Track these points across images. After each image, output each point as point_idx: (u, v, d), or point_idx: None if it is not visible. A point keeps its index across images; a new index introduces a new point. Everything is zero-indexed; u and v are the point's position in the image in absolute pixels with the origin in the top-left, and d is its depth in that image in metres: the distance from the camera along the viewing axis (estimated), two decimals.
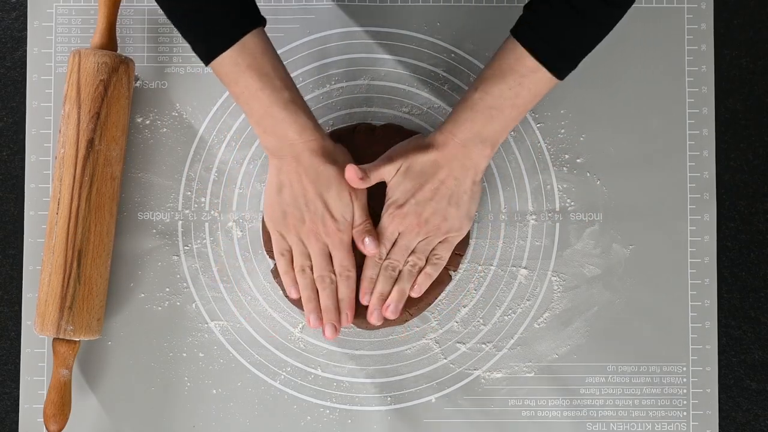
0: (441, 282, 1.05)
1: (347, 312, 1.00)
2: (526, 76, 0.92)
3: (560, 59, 0.92)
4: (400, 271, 1.01)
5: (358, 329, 1.06)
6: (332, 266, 1.00)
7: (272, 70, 0.92)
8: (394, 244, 1.00)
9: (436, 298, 1.06)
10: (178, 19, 0.92)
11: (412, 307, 1.05)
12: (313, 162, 0.95)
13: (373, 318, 1.01)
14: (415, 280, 1.01)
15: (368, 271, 1.01)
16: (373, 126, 1.07)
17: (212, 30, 0.91)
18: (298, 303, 1.05)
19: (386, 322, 1.04)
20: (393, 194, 0.98)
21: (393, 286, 1.01)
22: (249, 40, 0.91)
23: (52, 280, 1.00)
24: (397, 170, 0.98)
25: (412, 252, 1.00)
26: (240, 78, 0.92)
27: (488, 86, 0.94)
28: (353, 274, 1.00)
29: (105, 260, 1.03)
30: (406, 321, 1.06)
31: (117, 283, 1.07)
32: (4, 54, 1.12)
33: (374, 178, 0.98)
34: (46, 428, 1.01)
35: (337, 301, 1.00)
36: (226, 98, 1.09)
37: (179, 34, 1.09)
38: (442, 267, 1.02)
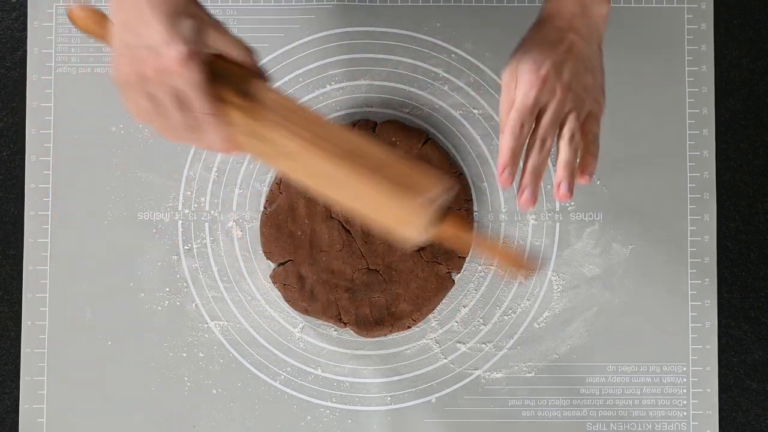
0: (444, 287, 1.05)
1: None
2: None
3: None
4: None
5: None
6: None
7: None
8: (537, 122, 0.83)
9: (438, 303, 1.06)
10: None
11: (416, 312, 1.05)
12: None
13: (560, 193, 0.83)
14: (581, 162, 0.84)
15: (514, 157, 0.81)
16: (374, 123, 1.07)
17: None
18: (298, 307, 1.06)
19: (388, 330, 1.05)
20: (523, 63, 0.82)
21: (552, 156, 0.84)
22: None
23: None
24: (520, 49, 0.84)
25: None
26: None
27: None
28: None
29: None
30: (409, 327, 1.06)
31: (117, 283, 1.07)
32: (4, 54, 1.12)
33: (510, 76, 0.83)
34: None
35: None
36: None
37: None
38: (598, 148, 0.86)
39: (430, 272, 1.05)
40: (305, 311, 1.06)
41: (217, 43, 0.76)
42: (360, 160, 0.81)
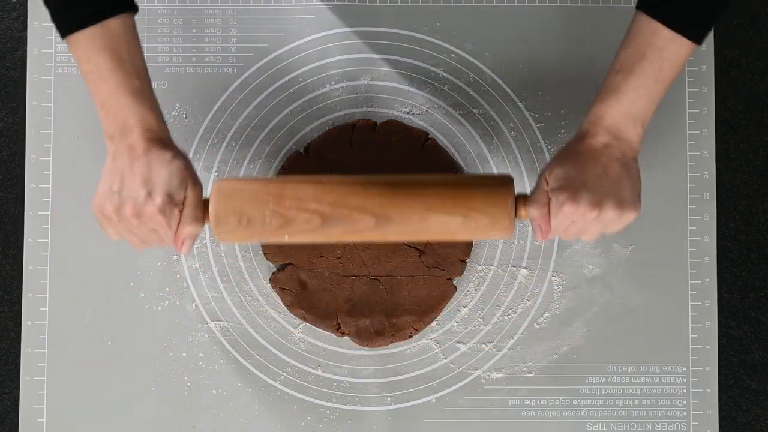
0: (446, 296, 1.05)
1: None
2: (665, 49, 0.90)
3: (694, 24, 0.90)
4: None
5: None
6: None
7: (128, 56, 0.89)
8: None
9: (441, 312, 1.06)
10: None
11: (417, 322, 1.05)
12: (147, 149, 0.89)
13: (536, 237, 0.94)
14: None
15: None
16: (374, 122, 1.07)
17: (77, 5, 0.88)
18: (297, 313, 1.05)
19: (389, 341, 1.05)
20: (557, 182, 0.90)
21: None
22: (112, 22, 0.88)
23: None
24: (557, 164, 0.92)
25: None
26: (93, 57, 0.89)
27: (628, 66, 0.91)
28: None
29: None
30: (411, 336, 1.06)
31: (117, 283, 1.07)
32: (4, 54, 1.12)
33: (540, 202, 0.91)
34: None
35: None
36: (226, 98, 1.09)
37: (179, 35, 1.10)
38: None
39: (432, 280, 1.05)
40: (304, 318, 1.06)
41: (188, 198, 0.89)
42: (418, 199, 0.88)
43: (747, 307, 1.10)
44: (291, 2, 1.10)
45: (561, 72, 1.09)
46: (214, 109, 1.09)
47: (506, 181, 0.90)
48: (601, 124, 0.92)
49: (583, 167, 0.90)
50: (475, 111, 1.09)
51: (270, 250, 1.06)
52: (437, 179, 0.91)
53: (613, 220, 0.90)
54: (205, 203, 0.90)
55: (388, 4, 1.10)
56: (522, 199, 0.90)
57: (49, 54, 1.09)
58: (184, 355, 1.07)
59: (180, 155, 0.91)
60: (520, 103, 1.09)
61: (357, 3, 1.10)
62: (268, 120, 1.09)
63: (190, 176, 0.90)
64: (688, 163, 1.08)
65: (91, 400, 1.07)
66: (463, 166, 1.08)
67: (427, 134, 1.08)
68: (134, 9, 0.90)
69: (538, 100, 1.09)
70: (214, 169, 1.09)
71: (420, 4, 1.10)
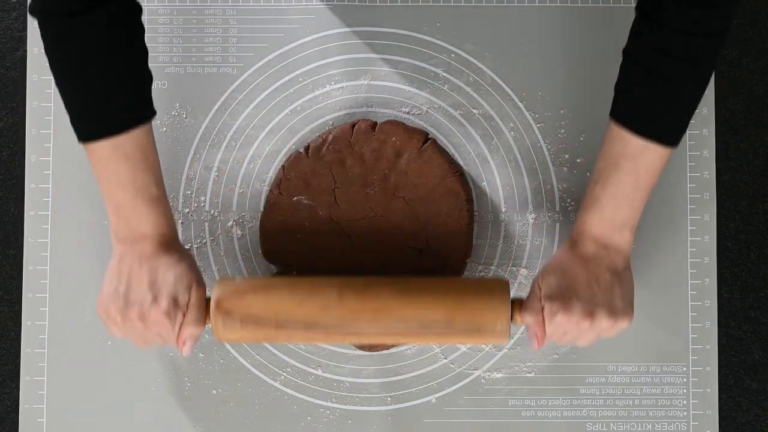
0: None
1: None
2: (638, 157, 0.89)
3: (666, 130, 0.89)
4: None
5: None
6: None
7: (147, 165, 0.90)
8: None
9: None
10: (68, 92, 0.89)
11: None
12: (156, 253, 0.92)
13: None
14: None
15: None
16: (374, 123, 1.07)
17: (100, 115, 0.88)
18: None
19: (390, 345, 1.05)
20: (549, 290, 0.91)
21: None
22: (135, 131, 0.89)
23: None
24: (549, 272, 0.93)
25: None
26: (112, 165, 0.89)
27: (605, 177, 0.92)
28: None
29: None
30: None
31: None
32: (4, 54, 1.12)
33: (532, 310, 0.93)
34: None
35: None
36: (226, 98, 1.09)
37: (179, 35, 1.10)
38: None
39: None
40: None
41: (192, 300, 0.92)
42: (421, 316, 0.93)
43: (747, 307, 1.09)
44: (291, 2, 1.10)
45: (561, 72, 1.09)
46: (214, 109, 1.09)
47: (502, 287, 0.94)
48: (587, 235, 0.93)
49: (573, 276, 0.91)
50: (475, 111, 1.09)
51: (270, 254, 1.06)
52: (432, 285, 0.95)
53: (606, 328, 0.92)
54: (207, 302, 0.93)
55: (388, 4, 1.10)
56: (518, 305, 0.93)
57: None
58: (184, 355, 1.07)
59: (186, 255, 0.94)
60: (520, 103, 1.09)
61: (357, 3, 1.10)
62: (268, 120, 1.09)
63: (195, 278, 0.93)
64: (688, 163, 1.08)
65: (91, 400, 1.07)
66: (463, 165, 1.08)
67: (427, 134, 1.08)
68: (154, 114, 0.91)
69: (538, 100, 1.09)
70: (214, 169, 1.09)
71: (420, 4, 1.10)
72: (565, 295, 0.90)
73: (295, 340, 0.99)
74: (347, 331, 0.93)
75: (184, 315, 0.91)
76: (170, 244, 0.93)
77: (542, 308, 0.91)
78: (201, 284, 0.93)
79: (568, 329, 0.91)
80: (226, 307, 0.93)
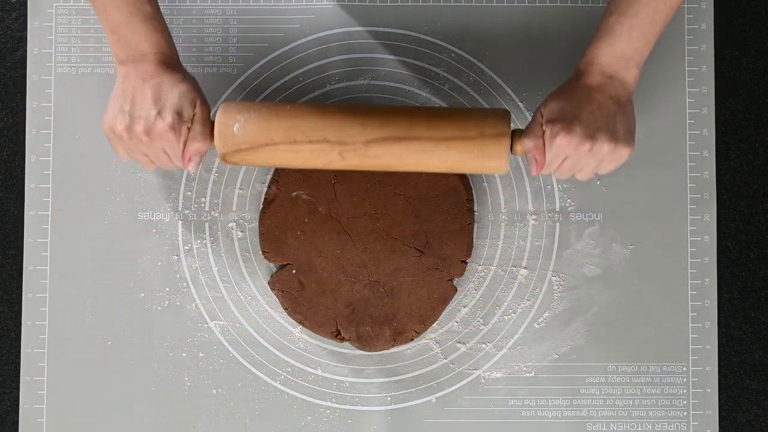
0: (446, 298, 1.05)
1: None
2: None
3: None
4: None
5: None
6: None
7: None
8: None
9: (441, 314, 1.06)
10: None
11: (419, 325, 1.05)
12: (158, 71, 0.93)
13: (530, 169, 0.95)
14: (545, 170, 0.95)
15: None
16: None
17: None
18: (295, 317, 1.05)
19: (390, 345, 1.05)
20: (551, 114, 0.92)
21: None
22: None
23: None
24: (553, 99, 0.94)
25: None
26: None
27: (623, 8, 0.92)
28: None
29: None
30: (412, 339, 1.06)
31: (117, 283, 1.07)
32: (4, 54, 1.12)
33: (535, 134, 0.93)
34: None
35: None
36: (226, 98, 1.09)
37: (179, 35, 1.10)
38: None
39: (432, 281, 1.05)
40: (302, 324, 1.06)
41: (196, 115, 0.93)
42: (416, 130, 0.92)
43: (747, 307, 1.09)
44: (291, 2, 1.10)
45: (561, 72, 1.09)
46: (214, 109, 1.09)
47: (503, 114, 0.93)
48: (595, 65, 0.93)
49: (577, 102, 0.92)
50: None
51: (268, 251, 1.06)
52: (432, 110, 0.94)
53: (606, 155, 0.92)
54: (212, 123, 0.94)
55: (388, 4, 1.10)
56: (517, 134, 0.93)
57: (49, 54, 1.09)
58: (184, 355, 1.07)
59: (189, 76, 0.95)
60: (520, 103, 1.09)
61: (357, 3, 1.10)
62: None
63: (198, 96, 0.93)
64: (688, 163, 1.08)
65: (91, 400, 1.07)
66: None
67: None
68: None
69: (538, 100, 1.09)
70: (214, 169, 1.09)
71: (420, 4, 1.10)
72: (566, 118, 0.90)
73: (302, 154, 0.94)
74: (352, 137, 0.92)
75: (188, 129, 0.92)
76: (172, 63, 0.94)
77: (543, 133, 0.91)
78: (205, 103, 0.94)
79: (569, 153, 0.91)
80: (231, 123, 0.93)
